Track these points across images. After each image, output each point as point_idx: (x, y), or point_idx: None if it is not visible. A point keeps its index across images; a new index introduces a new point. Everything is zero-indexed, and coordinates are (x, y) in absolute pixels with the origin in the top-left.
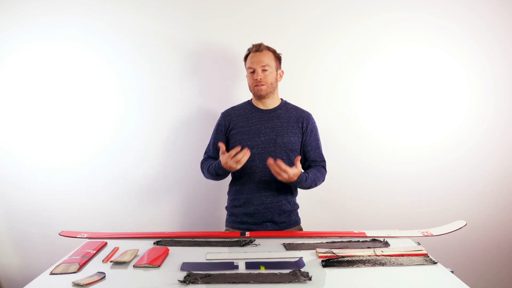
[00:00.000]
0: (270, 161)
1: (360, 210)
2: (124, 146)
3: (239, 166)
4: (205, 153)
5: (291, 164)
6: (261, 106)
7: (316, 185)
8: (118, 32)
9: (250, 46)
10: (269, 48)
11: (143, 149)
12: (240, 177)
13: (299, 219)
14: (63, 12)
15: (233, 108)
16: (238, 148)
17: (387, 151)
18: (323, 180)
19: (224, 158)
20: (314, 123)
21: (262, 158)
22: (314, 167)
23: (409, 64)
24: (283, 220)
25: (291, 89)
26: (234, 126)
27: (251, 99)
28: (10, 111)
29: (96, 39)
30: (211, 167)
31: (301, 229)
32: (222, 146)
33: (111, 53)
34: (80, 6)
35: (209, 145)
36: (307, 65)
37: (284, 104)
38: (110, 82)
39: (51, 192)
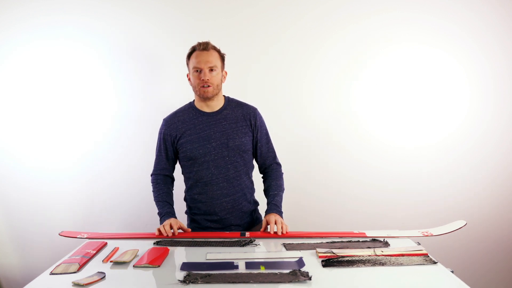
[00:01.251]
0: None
1: (360, 210)
2: (124, 146)
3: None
4: (154, 167)
5: (246, 164)
6: (206, 108)
7: (283, 190)
8: (118, 32)
9: (195, 44)
10: (215, 48)
11: (143, 149)
12: (197, 186)
13: (260, 216)
14: (63, 12)
15: (175, 114)
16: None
17: (387, 151)
18: (283, 179)
19: (167, 228)
20: (261, 117)
21: (217, 164)
22: (271, 178)
23: (409, 64)
24: (247, 221)
25: (291, 89)
26: (181, 134)
27: (193, 101)
28: (10, 111)
29: (96, 39)
30: (157, 200)
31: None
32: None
33: (111, 53)
34: (80, 6)
35: (159, 157)
36: (307, 65)
37: (228, 103)
38: (110, 82)
39: (51, 192)
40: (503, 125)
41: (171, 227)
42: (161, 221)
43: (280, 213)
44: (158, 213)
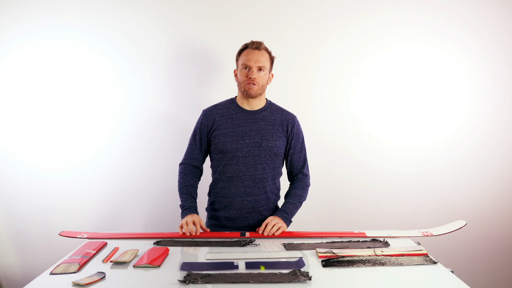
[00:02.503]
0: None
1: (360, 210)
2: (124, 146)
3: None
4: (185, 156)
5: (274, 168)
6: (246, 106)
7: (301, 203)
8: (118, 32)
9: (248, 41)
10: (266, 49)
11: (143, 149)
12: (222, 180)
13: None
14: (63, 12)
15: (215, 106)
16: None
17: (387, 151)
18: (307, 192)
19: (190, 227)
20: (299, 125)
21: (246, 161)
22: (293, 186)
23: (409, 64)
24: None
25: (291, 89)
26: (217, 126)
27: (235, 97)
28: (10, 111)
29: (97, 39)
30: (182, 192)
31: None
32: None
33: (111, 54)
34: (81, 7)
35: (192, 146)
36: (307, 65)
37: (269, 106)
38: (110, 82)
39: (51, 192)
40: (503, 125)
41: (194, 224)
42: (183, 215)
43: (285, 218)
44: (180, 205)
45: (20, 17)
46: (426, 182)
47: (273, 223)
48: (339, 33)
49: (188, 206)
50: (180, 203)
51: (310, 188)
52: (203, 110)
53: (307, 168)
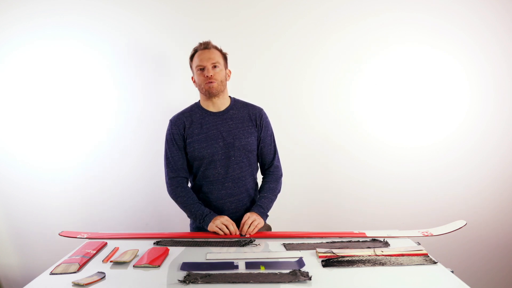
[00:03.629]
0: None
1: (360, 210)
2: (124, 146)
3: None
4: (167, 176)
5: (251, 164)
6: (212, 108)
7: (276, 196)
8: (118, 32)
9: (197, 45)
10: (216, 47)
11: (144, 149)
12: (202, 185)
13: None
14: (63, 12)
15: (182, 113)
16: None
17: (387, 151)
18: (281, 183)
19: (230, 228)
20: (267, 117)
21: (224, 164)
22: (265, 180)
23: (409, 64)
24: None
25: (291, 89)
26: (188, 134)
27: (199, 101)
28: (10, 111)
29: (97, 39)
30: (191, 203)
31: (269, 228)
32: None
33: (111, 54)
34: (81, 7)
35: (168, 164)
36: (307, 65)
37: (234, 103)
38: (110, 83)
39: (51, 192)
40: (503, 125)
41: (227, 224)
42: (208, 220)
43: (261, 213)
44: (197, 215)
45: (20, 17)
46: (426, 182)
47: (250, 221)
48: (339, 33)
49: (207, 212)
50: (189, 215)
51: (310, 187)
52: (170, 120)
53: (278, 159)
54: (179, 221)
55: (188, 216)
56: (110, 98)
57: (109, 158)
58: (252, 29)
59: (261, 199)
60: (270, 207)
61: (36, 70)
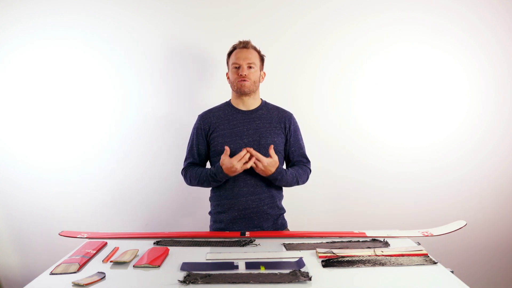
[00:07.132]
0: (244, 150)
1: (360, 210)
2: (124, 146)
3: (242, 169)
4: (186, 160)
5: None
6: (241, 106)
7: (298, 182)
8: (118, 32)
9: (236, 42)
10: (255, 48)
11: (143, 149)
12: (225, 181)
13: (286, 222)
14: (63, 12)
15: (210, 110)
16: (228, 150)
17: (387, 151)
18: (307, 179)
19: (230, 161)
20: (296, 123)
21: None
22: (297, 165)
23: (409, 64)
24: (270, 225)
25: (291, 89)
26: (214, 129)
27: (230, 100)
28: (10, 111)
29: (97, 39)
30: (204, 173)
31: (285, 225)
32: (227, 149)
33: (111, 54)
34: (81, 7)
35: (190, 151)
36: (307, 65)
37: (264, 105)
38: (110, 83)
39: (51, 192)
40: (503, 125)
41: (240, 156)
42: (219, 170)
43: (278, 172)
44: (211, 174)
45: (20, 17)
46: (426, 182)
47: (262, 164)
48: (339, 33)
49: (215, 167)
50: (212, 178)
51: (309, 188)
52: (199, 115)
53: (309, 163)
54: (178, 221)
55: (206, 185)
56: (109, 98)
57: (109, 158)
58: (252, 29)
59: (288, 168)
60: (289, 179)
61: (36, 70)
